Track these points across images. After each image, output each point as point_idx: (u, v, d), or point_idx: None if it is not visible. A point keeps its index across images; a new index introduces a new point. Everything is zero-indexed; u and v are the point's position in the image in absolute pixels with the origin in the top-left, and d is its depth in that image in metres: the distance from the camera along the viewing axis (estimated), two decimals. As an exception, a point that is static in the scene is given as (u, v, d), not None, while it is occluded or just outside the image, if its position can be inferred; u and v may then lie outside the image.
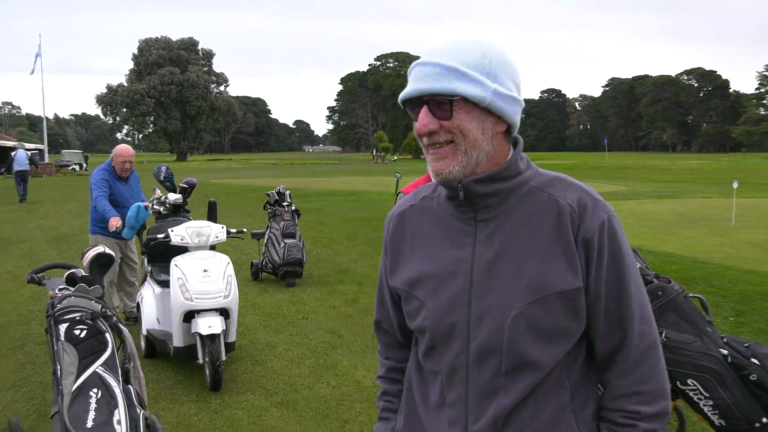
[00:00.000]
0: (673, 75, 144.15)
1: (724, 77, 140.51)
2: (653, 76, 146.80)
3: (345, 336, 7.59)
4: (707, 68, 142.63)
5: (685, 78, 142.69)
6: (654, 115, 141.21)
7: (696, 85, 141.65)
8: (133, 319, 7.76)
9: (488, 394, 1.69)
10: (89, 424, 3.73)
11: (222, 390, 5.87)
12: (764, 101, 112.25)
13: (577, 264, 1.65)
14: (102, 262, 4.74)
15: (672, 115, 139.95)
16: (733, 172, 43.25)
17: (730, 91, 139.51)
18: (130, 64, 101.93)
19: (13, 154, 29.75)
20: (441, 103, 1.61)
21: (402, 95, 1.67)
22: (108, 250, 4.83)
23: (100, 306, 4.33)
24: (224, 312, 6.07)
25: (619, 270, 1.66)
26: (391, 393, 2.02)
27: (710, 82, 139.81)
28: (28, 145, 51.58)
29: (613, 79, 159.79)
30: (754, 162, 71.71)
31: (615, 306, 1.67)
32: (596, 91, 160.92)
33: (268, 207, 10.86)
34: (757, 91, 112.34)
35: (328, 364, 6.66)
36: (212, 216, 7.64)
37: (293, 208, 10.75)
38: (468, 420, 1.71)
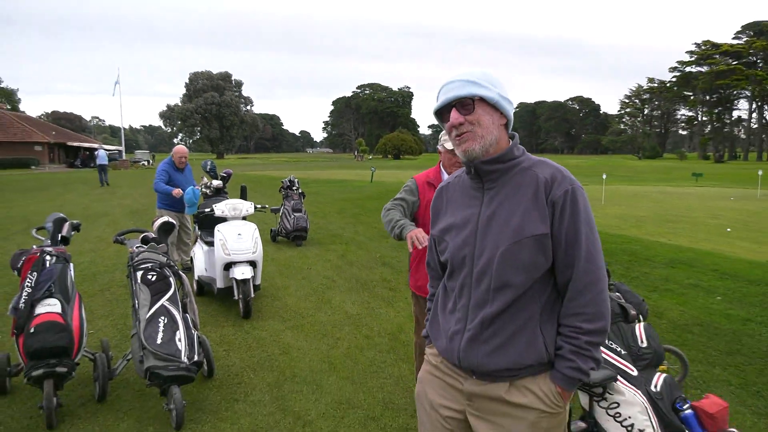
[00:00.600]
0: (562, 101, 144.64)
1: (596, 102, 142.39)
2: (549, 101, 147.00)
3: (337, 280, 7.56)
4: (585, 96, 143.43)
5: (570, 103, 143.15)
6: (549, 128, 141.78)
7: (577, 107, 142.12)
8: (188, 269, 7.65)
9: (481, 303, 1.80)
10: (159, 341, 3.69)
11: (251, 318, 5.83)
12: (624, 119, 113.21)
13: (546, 218, 1.75)
14: (166, 228, 4.66)
15: (561, 128, 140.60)
16: (602, 167, 43.72)
17: (601, 112, 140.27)
18: (183, 89, 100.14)
19: (96, 153, 29.25)
20: (465, 104, 1.77)
21: (437, 105, 1.82)
22: (171, 220, 4.74)
23: (166, 259, 4.26)
24: (253, 263, 6.02)
25: (575, 225, 1.75)
26: (431, 309, 2.12)
27: (587, 105, 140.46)
28: (106, 146, 50.58)
29: (521, 103, 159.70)
30: (617, 161, 72.54)
31: (569, 249, 1.75)
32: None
33: (282, 190, 10.77)
34: (619, 112, 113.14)
35: (325, 299, 6.64)
36: (243, 196, 7.54)
37: (300, 191, 10.67)
38: (467, 320, 1.82)
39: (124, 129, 63.65)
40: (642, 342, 2.97)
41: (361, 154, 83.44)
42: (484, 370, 1.79)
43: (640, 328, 3.05)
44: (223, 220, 6.35)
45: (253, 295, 5.91)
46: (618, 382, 2.75)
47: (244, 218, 6.51)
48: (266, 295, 6.73)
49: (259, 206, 6.86)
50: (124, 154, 55.20)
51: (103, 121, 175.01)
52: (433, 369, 1.99)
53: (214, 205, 6.39)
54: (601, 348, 2.33)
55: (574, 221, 1.74)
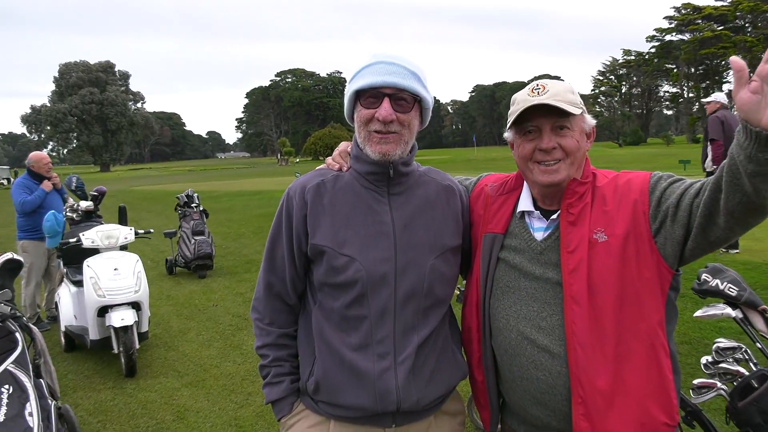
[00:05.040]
0: (526, 81, 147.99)
1: (566, 81, 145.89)
2: (510, 82, 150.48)
3: (250, 318, 7.40)
4: (552, 74, 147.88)
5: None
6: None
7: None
8: (53, 317, 7.31)
9: (410, 328, 1.86)
10: (0, 418, 3.47)
11: (137, 376, 5.63)
12: (599, 100, 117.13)
13: (461, 228, 2.00)
14: (11, 267, 4.42)
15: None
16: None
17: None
18: (52, 86, 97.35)
19: None
20: (401, 99, 1.79)
21: (367, 83, 1.78)
22: (16, 256, 4.49)
23: (9, 308, 4.04)
24: (135, 305, 5.82)
25: None
26: (281, 358, 2.01)
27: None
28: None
29: (477, 86, 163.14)
30: (594, 150, 74.77)
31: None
32: (465, 96, 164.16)
33: (179, 209, 10.57)
34: (593, 92, 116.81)
35: (234, 344, 6.50)
36: (122, 220, 7.33)
37: (201, 208, 10.48)
38: (396, 351, 1.84)
39: (-25, 140, 61.01)
40: None
41: (286, 156, 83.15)
42: (421, 405, 1.88)
43: None
44: (94, 252, 6.12)
45: (138, 347, 5.72)
46: None
47: (123, 248, 6.31)
48: (157, 345, 6.53)
49: (141, 231, 6.67)
50: (-25, 172, 52.81)
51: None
52: None
53: (81, 234, 6.16)
54: None
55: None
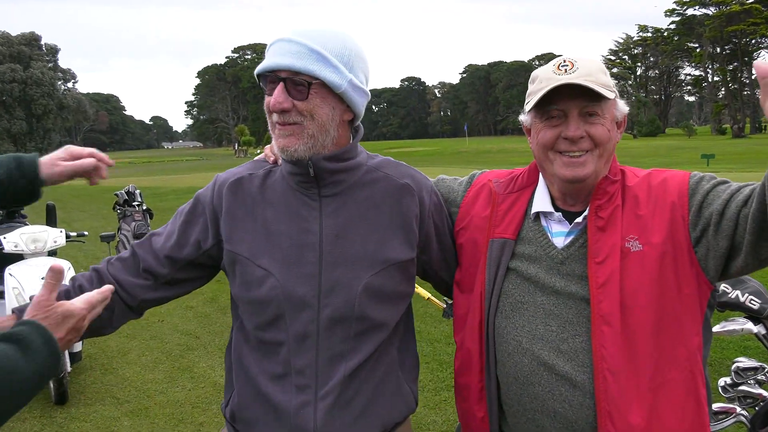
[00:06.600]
0: (526, 60, 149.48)
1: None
2: (508, 62, 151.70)
3: (202, 337, 7.45)
4: (557, 52, 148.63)
5: (537, 63, 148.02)
6: (510, 99, 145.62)
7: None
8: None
9: (337, 356, 1.81)
10: None
11: (68, 403, 5.64)
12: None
13: (414, 236, 1.91)
14: None
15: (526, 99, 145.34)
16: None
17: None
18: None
19: None
20: (298, 84, 1.72)
21: (260, 67, 1.75)
22: None
23: None
24: (67, 321, 5.80)
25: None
26: (79, 280, 1.97)
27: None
28: None
29: (470, 66, 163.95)
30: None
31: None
32: (455, 78, 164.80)
33: (118, 208, 10.54)
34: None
35: (183, 366, 6.53)
36: (51, 220, 7.29)
37: (144, 207, 10.46)
38: (317, 383, 1.80)
39: None
40: None
41: (244, 147, 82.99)
42: None
43: None
44: (17, 258, 6.11)
45: (69, 369, 5.72)
46: None
47: (52, 254, 6.31)
48: (92, 368, 6.55)
49: (74, 234, 6.65)
50: None
51: None
52: None
53: (2, 237, 6.14)
54: None
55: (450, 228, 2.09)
